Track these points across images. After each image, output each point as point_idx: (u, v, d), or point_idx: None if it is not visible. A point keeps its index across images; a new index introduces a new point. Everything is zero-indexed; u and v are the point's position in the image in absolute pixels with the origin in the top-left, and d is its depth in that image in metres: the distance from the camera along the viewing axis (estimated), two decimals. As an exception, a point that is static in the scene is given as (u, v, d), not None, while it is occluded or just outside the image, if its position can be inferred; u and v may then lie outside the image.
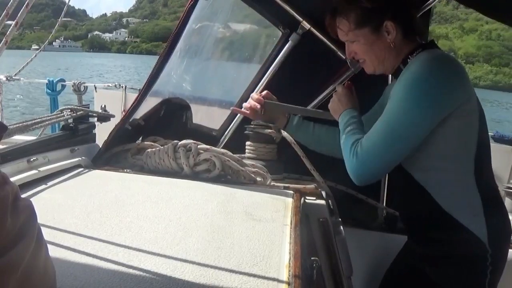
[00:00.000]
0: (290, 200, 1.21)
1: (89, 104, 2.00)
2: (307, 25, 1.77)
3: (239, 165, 1.37)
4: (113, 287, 0.69)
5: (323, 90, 1.89)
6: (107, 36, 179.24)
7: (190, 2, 1.51)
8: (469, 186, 1.25)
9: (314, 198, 1.31)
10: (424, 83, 1.22)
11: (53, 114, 1.53)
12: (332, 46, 1.76)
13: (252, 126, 1.60)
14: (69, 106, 1.53)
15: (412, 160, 1.29)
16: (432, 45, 1.33)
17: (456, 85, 1.24)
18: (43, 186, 1.17)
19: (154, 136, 1.56)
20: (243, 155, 1.57)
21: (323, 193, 1.37)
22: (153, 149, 1.43)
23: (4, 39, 1.07)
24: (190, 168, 1.36)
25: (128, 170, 1.42)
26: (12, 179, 0.61)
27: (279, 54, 1.85)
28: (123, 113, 1.63)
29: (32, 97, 13.47)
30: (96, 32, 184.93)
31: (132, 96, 3.58)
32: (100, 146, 1.54)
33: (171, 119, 1.73)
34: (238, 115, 1.88)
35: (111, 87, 5.03)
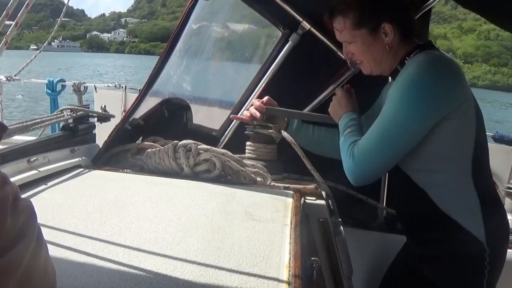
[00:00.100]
0: (290, 200, 1.21)
1: (89, 104, 2.00)
2: (307, 25, 1.77)
3: (239, 165, 1.37)
4: (113, 287, 0.69)
5: (323, 90, 1.89)
6: (105, 36, 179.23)
7: (190, 2, 1.51)
8: (467, 187, 1.26)
9: (314, 198, 1.31)
10: (421, 85, 1.22)
11: (53, 114, 1.53)
12: (332, 46, 1.76)
13: (252, 127, 1.60)
14: (69, 107, 1.53)
15: (410, 161, 1.30)
16: (430, 46, 1.34)
17: (452, 87, 1.24)
18: (43, 186, 1.17)
19: (154, 136, 1.56)
20: (243, 155, 1.56)
21: (323, 193, 1.37)
22: (153, 149, 1.43)
23: (4, 39, 1.07)
24: (190, 168, 1.36)
25: (128, 170, 1.42)
26: (12, 179, 0.61)
27: (279, 54, 1.84)
28: (123, 113, 1.63)
29: (34, 97, 13.47)
30: (95, 32, 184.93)
31: (132, 96, 3.58)
32: (100, 146, 1.54)
33: (171, 119, 1.73)
34: (239, 115, 1.88)
35: (111, 87, 5.04)
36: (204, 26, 1.95)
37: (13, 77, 4.76)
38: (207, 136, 1.88)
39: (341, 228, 1.37)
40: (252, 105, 1.61)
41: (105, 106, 1.69)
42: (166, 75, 1.69)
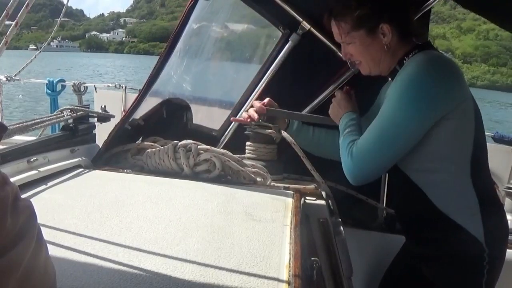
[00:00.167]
0: (290, 201, 1.21)
1: (89, 105, 2.00)
2: (307, 26, 1.77)
3: (239, 165, 1.37)
4: (113, 287, 0.69)
5: (323, 90, 1.89)
6: (104, 36, 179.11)
7: (190, 2, 1.51)
8: (466, 187, 1.26)
9: (314, 198, 1.31)
10: (419, 84, 1.22)
11: (53, 114, 1.53)
12: (332, 47, 1.76)
13: (252, 127, 1.60)
14: (69, 107, 1.53)
15: (408, 161, 1.30)
16: (428, 46, 1.34)
17: (451, 86, 1.24)
18: (43, 187, 1.17)
19: (154, 137, 1.56)
20: (243, 155, 1.56)
21: (323, 193, 1.37)
22: (153, 150, 1.43)
23: (4, 39, 1.07)
24: (190, 168, 1.36)
25: (128, 171, 1.42)
26: (12, 180, 0.61)
27: (279, 54, 1.84)
28: (123, 114, 1.63)
29: (34, 97, 13.48)
30: (94, 32, 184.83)
31: (132, 97, 3.58)
32: (100, 147, 1.54)
33: (171, 119, 1.73)
34: (239, 115, 1.88)
35: (111, 87, 5.03)
36: (204, 26, 1.95)
37: (13, 77, 4.76)
38: (207, 136, 1.88)
39: (341, 228, 1.37)
40: (252, 106, 1.62)
41: (105, 106, 1.70)
42: (166, 75, 1.69)
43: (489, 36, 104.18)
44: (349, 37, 1.35)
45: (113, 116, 1.67)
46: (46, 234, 0.69)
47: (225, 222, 1.00)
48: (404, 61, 1.31)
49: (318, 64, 1.87)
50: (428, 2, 1.73)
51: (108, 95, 4.90)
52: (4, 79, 4.73)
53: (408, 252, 1.45)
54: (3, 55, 1.08)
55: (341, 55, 1.45)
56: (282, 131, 1.54)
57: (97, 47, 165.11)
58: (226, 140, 1.91)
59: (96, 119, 1.63)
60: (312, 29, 1.77)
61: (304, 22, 1.77)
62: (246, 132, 1.62)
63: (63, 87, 5.14)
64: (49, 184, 1.20)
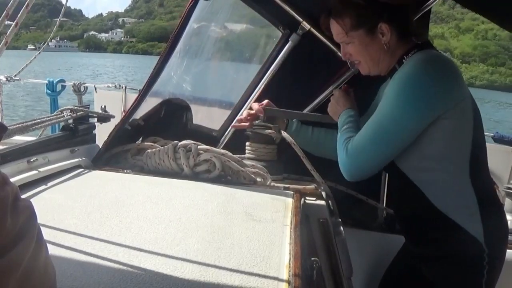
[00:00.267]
0: (290, 201, 1.21)
1: (89, 105, 2.00)
2: (307, 26, 1.77)
3: (239, 165, 1.37)
4: (113, 287, 0.69)
5: (323, 90, 1.89)
6: (103, 36, 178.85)
7: (191, 2, 1.51)
8: (465, 186, 1.26)
9: (314, 198, 1.31)
10: (417, 83, 1.23)
11: (53, 114, 1.53)
12: (332, 47, 1.76)
13: (252, 127, 1.61)
14: (69, 107, 1.53)
15: (407, 161, 1.30)
16: (428, 45, 1.34)
17: (449, 86, 1.24)
18: (43, 187, 1.17)
19: (154, 137, 1.56)
20: (243, 155, 1.57)
21: (323, 193, 1.37)
22: (153, 150, 1.43)
23: (4, 39, 1.07)
24: (190, 168, 1.36)
25: (128, 171, 1.42)
26: (12, 180, 0.61)
27: (279, 54, 1.84)
28: (123, 114, 1.63)
29: (34, 97, 13.48)
30: (92, 32, 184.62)
31: (132, 97, 3.58)
32: (100, 147, 1.54)
33: (171, 119, 1.73)
34: (239, 115, 1.88)
35: (111, 87, 5.03)
36: (204, 27, 1.95)
37: (13, 78, 4.76)
38: (207, 137, 1.88)
39: (341, 228, 1.37)
40: (251, 108, 1.62)
41: (105, 106, 1.70)
42: (166, 76, 1.69)
43: (488, 36, 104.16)
44: (348, 36, 1.35)
45: (113, 117, 1.67)
46: (46, 234, 0.69)
47: (225, 222, 1.00)
48: (404, 60, 1.31)
49: (318, 64, 1.87)
50: (428, 2, 1.73)
51: (108, 95, 4.90)
52: (4, 79, 4.73)
53: (408, 252, 1.45)
54: (3, 55, 1.08)
55: (341, 55, 1.45)
56: (282, 131, 1.54)
57: (96, 47, 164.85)
58: (226, 140, 1.91)
59: (96, 119, 1.63)
60: (312, 29, 1.77)
61: (304, 22, 1.77)
62: (246, 132, 1.62)
63: (63, 87, 5.14)
64: (49, 184, 1.20)
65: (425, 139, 1.25)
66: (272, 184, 1.42)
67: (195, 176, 1.37)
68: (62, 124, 1.51)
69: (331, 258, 1.21)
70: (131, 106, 1.57)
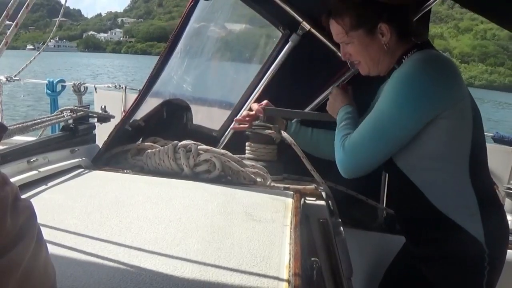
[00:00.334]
0: (290, 201, 1.21)
1: (89, 105, 2.00)
2: (307, 26, 1.77)
3: (239, 165, 1.37)
4: (113, 287, 0.69)
5: (323, 91, 1.89)
6: (102, 36, 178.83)
7: (191, 2, 1.51)
8: (465, 186, 1.25)
9: (314, 198, 1.31)
10: (415, 82, 1.23)
11: (53, 114, 1.53)
12: (332, 47, 1.76)
13: (252, 127, 1.61)
14: (69, 107, 1.53)
15: (406, 160, 1.30)
16: (427, 45, 1.34)
17: (448, 85, 1.24)
18: (43, 187, 1.17)
19: (154, 137, 1.56)
20: (243, 155, 1.57)
21: (323, 193, 1.37)
22: (153, 150, 1.43)
23: (4, 39, 1.07)
24: (190, 168, 1.36)
25: (128, 171, 1.42)
26: (12, 180, 0.61)
27: (279, 54, 1.84)
28: (123, 114, 1.63)
29: (34, 98, 13.47)
30: (91, 32, 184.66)
31: (132, 97, 3.58)
32: (100, 147, 1.54)
33: (171, 120, 1.73)
34: (239, 115, 1.88)
35: (111, 87, 5.03)
36: (204, 27, 1.95)
37: (13, 78, 4.76)
38: (207, 137, 1.88)
39: (341, 228, 1.37)
40: (251, 109, 1.62)
41: (105, 106, 1.70)
42: (166, 76, 1.68)
43: (487, 35, 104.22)
44: (348, 37, 1.35)
45: (113, 117, 1.67)
46: (46, 234, 0.69)
47: (225, 223, 1.00)
48: (403, 60, 1.31)
49: (318, 65, 1.87)
50: (428, 2, 1.73)
51: (108, 96, 4.91)
52: (4, 79, 4.73)
53: (408, 252, 1.45)
54: (2, 55, 1.08)
55: (341, 56, 1.45)
56: (282, 132, 1.55)
57: (95, 47, 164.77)
58: (226, 141, 1.91)
59: (96, 119, 1.63)
60: (312, 30, 1.77)
61: (304, 22, 1.77)
62: (246, 132, 1.62)
63: (63, 87, 5.14)
64: (49, 184, 1.20)
65: (424, 139, 1.25)
66: (272, 184, 1.42)
67: (195, 176, 1.37)
68: (62, 124, 1.51)
69: (331, 258, 1.21)
70: (131, 106, 1.57)
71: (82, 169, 1.38)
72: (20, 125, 1.25)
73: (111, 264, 0.76)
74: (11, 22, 1.07)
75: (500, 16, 1.63)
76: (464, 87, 1.27)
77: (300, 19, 1.77)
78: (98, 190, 1.18)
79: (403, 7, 1.35)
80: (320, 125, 1.63)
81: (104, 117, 1.64)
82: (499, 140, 4.22)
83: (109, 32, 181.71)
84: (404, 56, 1.31)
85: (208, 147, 1.38)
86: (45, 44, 4.71)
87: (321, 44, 1.78)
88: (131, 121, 1.59)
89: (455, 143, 1.26)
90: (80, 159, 1.42)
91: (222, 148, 1.62)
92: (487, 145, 1.39)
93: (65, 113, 1.49)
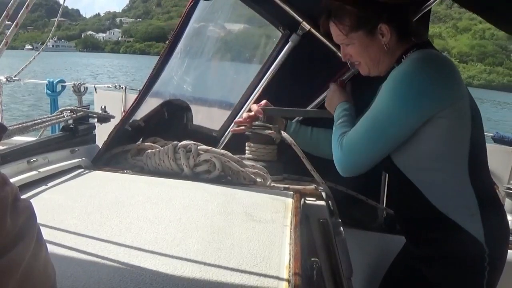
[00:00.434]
0: (290, 201, 1.21)
1: (89, 105, 2.00)
2: (307, 26, 1.77)
3: (239, 166, 1.37)
4: (113, 287, 0.69)
5: (323, 91, 1.88)
6: (100, 36, 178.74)
7: (191, 2, 1.51)
8: (464, 186, 1.25)
9: (314, 199, 1.31)
10: (414, 81, 1.23)
11: (53, 115, 1.53)
12: (332, 47, 1.76)
13: (252, 127, 1.61)
14: (69, 107, 1.53)
15: (405, 160, 1.30)
16: (427, 45, 1.34)
17: (446, 85, 1.24)
18: (43, 187, 1.17)
19: (154, 137, 1.56)
20: (243, 156, 1.57)
21: (323, 194, 1.37)
22: (153, 150, 1.43)
23: (4, 40, 1.07)
24: (190, 169, 1.36)
25: (128, 171, 1.42)
26: (12, 180, 0.61)
27: (279, 55, 1.84)
28: (123, 114, 1.63)
29: (34, 98, 13.48)
30: (90, 32, 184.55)
31: (132, 97, 3.58)
32: (100, 147, 1.54)
33: (171, 120, 1.73)
34: (238, 115, 1.88)
35: (111, 88, 5.04)
36: (204, 27, 1.95)
37: (13, 78, 4.76)
38: (207, 137, 1.88)
39: (341, 228, 1.37)
40: (250, 110, 1.62)
41: (105, 106, 1.70)
42: (166, 76, 1.69)
43: (485, 35, 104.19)
44: (348, 38, 1.35)
45: (113, 117, 1.67)
46: (46, 234, 0.69)
47: (225, 223, 1.00)
48: (402, 59, 1.31)
49: (318, 65, 1.87)
50: (428, 3, 1.73)
51: (108, 96, 4.91)
52: (4, 79, 4.73)
53: (408, 252, 1.45)
54: (2, 56, 1.08)
55: (341, 56, 1.45)
56: (282, 132, 1.55)
57: (93, 47, 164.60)
58: (226, 141, 1.91)
59: (96, 119, 1.63)
60: (312, 30, 1.77)
61: (304, 22, 1.77)
62: (246, 132, 1.62)
63: (63, 87, 5.15)
64: (49, 184, 1.20)
65: (422, 138, 1.25)
66: (272, 184, 1.42)
67: (195, 176, 1.37)
68: (62, 124, 1.51)
69: (331, 259, 1.21)
70: (131, 106, 1.57)
71: (82, 169, 1.38)
72: (20, 125, 1.25)
73: (111, 264, 0.76)
74: (11, 22, 1.07)
75: (496, 17, 1.63)
76: (463, 86, 1.27)
77: (300, 19, 1.77)
78: (98, 190, 1.18)
79: (403, 7, 1.36)
80: (320, 124, 1.63)
81: (104, 117, 1.64)
82: (499, 140, 4.22)
83: (108, 32, 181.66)
84: (404, 56, 1.31)
85: (208, 147, 1.38)
86: (45, 44, 4.71)
87: (321, 44, 1.78)
88: (131, 121, 1.59)
89: (454, 143, 1.26)
90: (80, 159, 1.42)
91: (222, 148, 1.62)
92: (487, 145, 1.39)
93: (65, 113, 1.49)
